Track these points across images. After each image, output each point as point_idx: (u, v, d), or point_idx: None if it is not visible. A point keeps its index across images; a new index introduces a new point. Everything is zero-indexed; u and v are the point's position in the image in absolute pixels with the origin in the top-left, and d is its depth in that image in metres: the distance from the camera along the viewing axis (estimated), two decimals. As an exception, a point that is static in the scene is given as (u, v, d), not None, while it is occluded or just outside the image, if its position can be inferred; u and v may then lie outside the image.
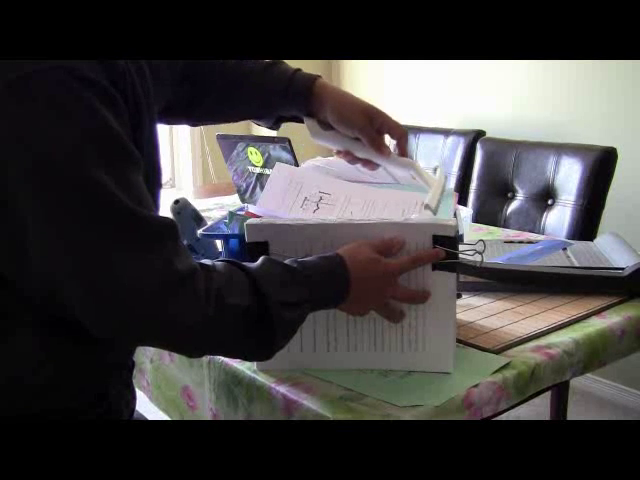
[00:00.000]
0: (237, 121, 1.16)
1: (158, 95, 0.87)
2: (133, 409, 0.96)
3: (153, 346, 0.91)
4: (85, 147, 0.69)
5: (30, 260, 0.71)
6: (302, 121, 1.08)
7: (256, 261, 0.83)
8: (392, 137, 1.04)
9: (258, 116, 1.11)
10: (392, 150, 1.04)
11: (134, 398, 0.97)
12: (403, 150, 1.03)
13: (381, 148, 1.01)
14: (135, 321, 0.72)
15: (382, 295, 0.89)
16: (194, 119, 1.14)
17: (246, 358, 0.90)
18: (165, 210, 1.39)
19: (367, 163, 1.06)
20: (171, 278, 0.72)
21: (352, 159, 1.06)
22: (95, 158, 0.69)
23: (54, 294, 0.73)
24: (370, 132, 1.01)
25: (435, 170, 1.05)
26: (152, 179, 0.83)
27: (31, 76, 0.68)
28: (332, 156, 1.16)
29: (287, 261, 0.83)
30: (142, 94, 0.80)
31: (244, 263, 0.81)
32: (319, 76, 1.04)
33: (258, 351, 0.81)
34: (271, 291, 0.78)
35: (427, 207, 0.89)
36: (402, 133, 1.03)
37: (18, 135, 0.67)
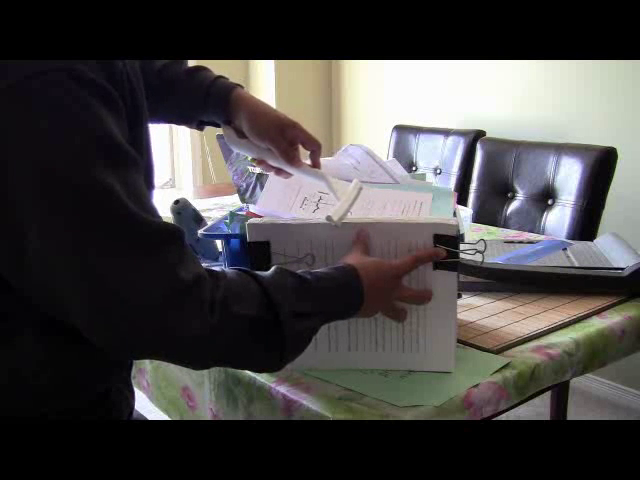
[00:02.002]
0: (163, 123, 1.17)
1: None
2: (132, 408, 0.96)
3: (155, 359, 0.86)
4: (88, 150, 0.68)
5: (30, 264, 0.70)
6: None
7: (257, 260, 0.82)
8: (305, 149, 1.06)
9: (180, 120, 1.12)
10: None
11: (133, 397, 0.97)
12: (316, 162, 1.05)
13: (291, 159, 1.03)
14: (137, 329, 0.70)
15: (389, 297, 0.89)
16: None
17: (255, 370, 0.88)
18: (165, 210, 1.39)
19: (280, 172, 1.08)
20: (174, 287, 0.70)
21: (267, 167, 1.08)
22: (98, 161, 0.68)
23: (53, 301, 0.71)
24: (281, 143, 1.03)
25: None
26: (146, 181, 0.83)
27: (31, 78, 0.67)
28: (331, 156, 1.16)
29: (300, 272, 0.82)
30: (139, 93, 0.79)
31: (256, 272, 0.80)
32: (239, 85, 1.07)
33: (267, 362, 0.80)
34: (283, 301, 0.77)
35: (329, 219, 0.89)
36: (315, 145, 1.05)
37: (19, 137, 0.67)
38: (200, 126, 1.13)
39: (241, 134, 1.06)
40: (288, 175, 1.08)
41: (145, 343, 0.72)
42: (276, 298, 0.76)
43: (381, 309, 0.90)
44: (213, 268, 0.77)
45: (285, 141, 1.03)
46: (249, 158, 1.12)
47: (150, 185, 0.86)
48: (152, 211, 0.74)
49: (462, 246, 0.95)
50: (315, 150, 1.05)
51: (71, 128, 0.68)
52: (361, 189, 0.97)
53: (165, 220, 0.75)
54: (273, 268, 0.82)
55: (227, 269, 0.79)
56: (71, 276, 0.69)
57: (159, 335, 0.71)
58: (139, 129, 0.79)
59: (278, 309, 0.76)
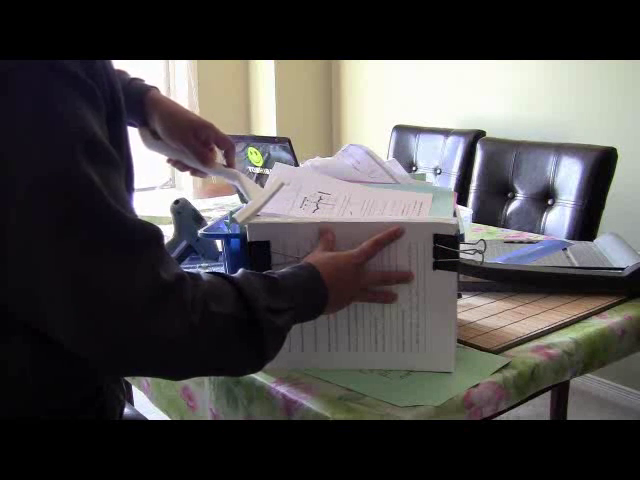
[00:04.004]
0: None
1: None
2: (124, 405, 0.96)
3: (137, 367, 0.77)
4: (71, 146, 0.67)
5: (9, 265, 0.68)
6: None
7: (257, 260, 0.82)
8: (220, 148, 1.09)
9: None
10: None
11: (124, 395, 0.96)
12: (230, 161, 1.09)
13: (204, 159, 1.07)
14: (120, 330, 0.68)
15: (354, 286, 0.90)
16: None
17: (236, 372, 0.86)
18: (165, 210, 1.39)
19: (196, 171, 1.12)
20: (156, 287, 0.69)
21: (182, 167, 1.12)
22: (81, 157, 0.67)
23: (34, 305, 0.70)
24: (194, 144, 1.06)
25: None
26: (126, 181, 0.81)
27: (14, 71, 0.67)
28: (331, 156, 1.16)
29: (264, 272, 0.83)
30: (118, 92, 0.78)
31: (226, 274, 0.80)
32: (154, 87, 1.08)
33: (248, 361, 0.79)
34: (257, 298, 0.77)
35: (233, 220, 0.90)
36: (229, 145, 1.09)
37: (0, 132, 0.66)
38: None
39: (157, 135, 1.08)
40: (204, 175, 1.12)
41: (128, 345, 0.69)
42: (250, 296, 0.77)
43: (352, 298, 0.91)
44: (188, 270, 0.77)
45: (198, 142, 1.06)
46: (166, 158, 1.14)
47: (130, 188, 0.84)
48: (132, 211, 0.73)
49: (462, 246, 0.95)
50: (228, 149, 1.09)
51: (53, 123, 0.67)
52: (282, 185, 0.98)
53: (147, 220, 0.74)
54: (239, 271, 0.82)
55: (202, 272, 0.79)
56: (52, 274, 0.67)
57: (141, 335, 0.69)
58: (118, 128, 0.78)
59: (254, 306, 0.76)
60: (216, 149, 1.10)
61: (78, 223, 0.67)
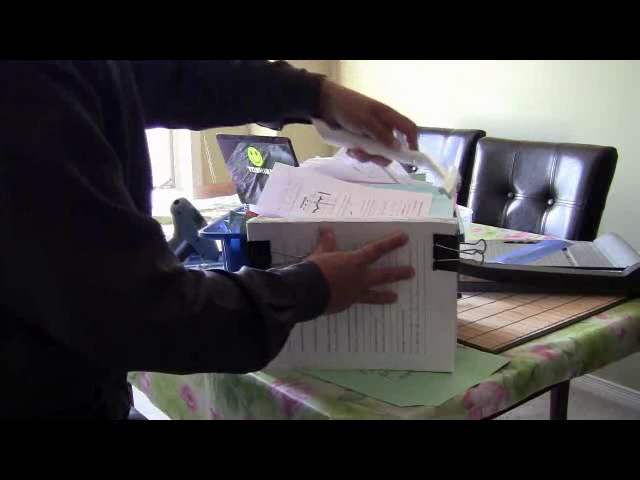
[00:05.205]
0: (241, 124, 1.15)
1: (142, 94, 0.85)
2: (128, 409, 0.96)
3: (137, 362, 0.77)
4: (54, 139, 0.66)
5: (2, 267, 0.68)
6: (309, 122, 1.09)
7: (258, 260, 0.82)
8: (401, 131, 1.05)
9: (265, 119, 1.11)
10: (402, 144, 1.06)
11: (128, 400, 0.96)
12: (413, 143, 1.05)
13: (390, 142, 1.03)
14: (115, 320, 0.67)
15: (356, 285, 0.90)
16: (197, 124, 1.13)
17: (238, 368, 0.85)
18: (165, 210, 1.39)
19: (379, 159, 1.07)
20: (153, 279, 0.69)
21: (363, 157, 1.07)
22: (66, 151, 0.66)
23: (29, 305, 0.69)
24: (377, 127, 1.02)
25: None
26: (142, 180, 0.81)
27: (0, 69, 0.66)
28: (331, 156, 1.16)
29: (267, 270, 0.83)
30: (122, 88, 0.77)
31: (229, 272, 0.80)
32: (324, 76, 1.06)
33: (251, 358, 0.79)
34: (260, 295, 0.77)
35: (442, 191, 0.93)
36: (411, 126, 1.04)
37: None
38: (283, 125, 1.11)
39: (334, 125, 1.05)
40: (387, 162, 1.07)
41: (126, 342, 0.69)
42: (254, 293, 0.77)
43: (355, 298, 0.91)
44: (191, 269, 0.76)
45: (381, 124, 1.02)
46: (342, 148, 1.09)
47: (148, 185, 0.84)
48: (130, 205, 0.72)
49: (462, 246, 0.95)
50: (410, 131, 1.04)
51: (38, 116, 0.66)
52: (458, 175, 1.00)
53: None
54: (242, 269, 0.82)
55: (203, 270, 0.79)
56: (46, 275, 0.67)
57: (138, 328, 0.68)
58: (120, 125, 0.77)
59: (258, 303, 0.76)
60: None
61: (67, 220, 0.67)
